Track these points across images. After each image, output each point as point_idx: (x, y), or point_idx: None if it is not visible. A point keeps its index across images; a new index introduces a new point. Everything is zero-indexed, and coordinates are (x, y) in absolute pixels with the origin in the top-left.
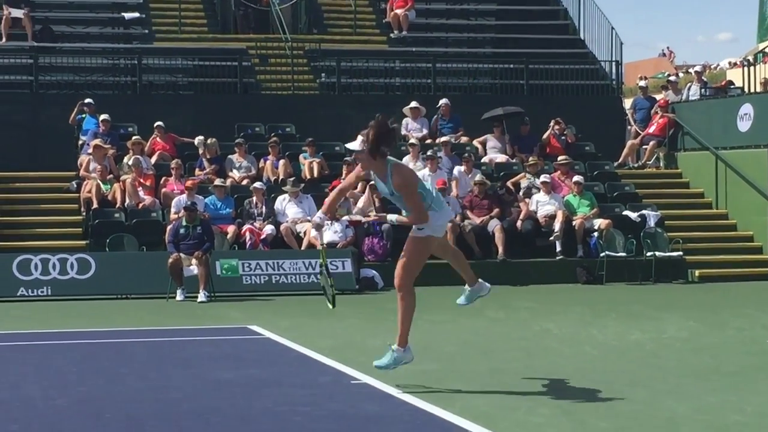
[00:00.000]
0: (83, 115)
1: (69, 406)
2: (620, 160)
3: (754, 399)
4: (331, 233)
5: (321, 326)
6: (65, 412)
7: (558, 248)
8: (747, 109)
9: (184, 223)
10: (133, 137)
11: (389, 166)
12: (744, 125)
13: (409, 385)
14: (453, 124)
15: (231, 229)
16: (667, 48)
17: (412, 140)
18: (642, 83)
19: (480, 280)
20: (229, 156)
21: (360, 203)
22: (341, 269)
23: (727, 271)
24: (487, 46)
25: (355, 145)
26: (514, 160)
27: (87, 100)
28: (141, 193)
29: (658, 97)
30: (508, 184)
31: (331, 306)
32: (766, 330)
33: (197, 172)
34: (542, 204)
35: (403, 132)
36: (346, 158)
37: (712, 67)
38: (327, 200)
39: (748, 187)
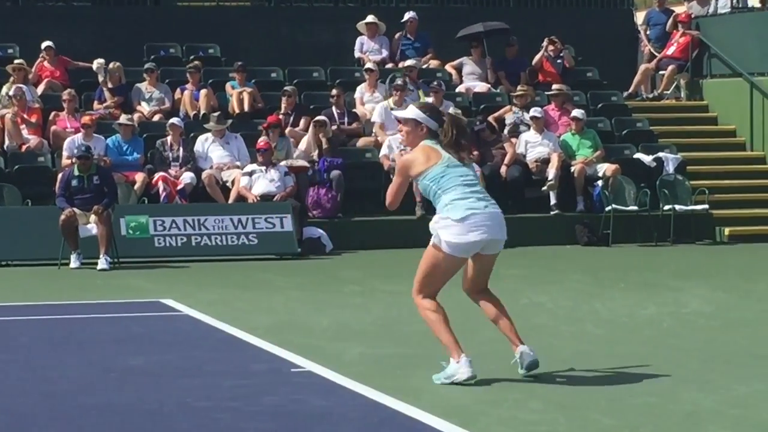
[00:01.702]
0: None
1: None
2: (631, 90)
3: None
4: (266, 182)
5: (254, 300)
6: None
7: (553, 201)
8: None
9: (76, 173)
10: (15, 61)
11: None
12: None
13: (364, 373)
14: (420, 45)
15: (140, 177)
16: None
17: (369, 65)
18: None
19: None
20: (137, 85)
21: (302, 144)
22: (278, 228)
23: (764, 228)
24: None
25: (407, 113)
26: (497, 90)
27: None
28: (25, 132)
29: (678, 9)
30: (490, 119)
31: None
32: None
33: (96, 105)
34: (533, 145)
35: (357, 54)
36: (285, 88)
37: None
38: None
39: None
